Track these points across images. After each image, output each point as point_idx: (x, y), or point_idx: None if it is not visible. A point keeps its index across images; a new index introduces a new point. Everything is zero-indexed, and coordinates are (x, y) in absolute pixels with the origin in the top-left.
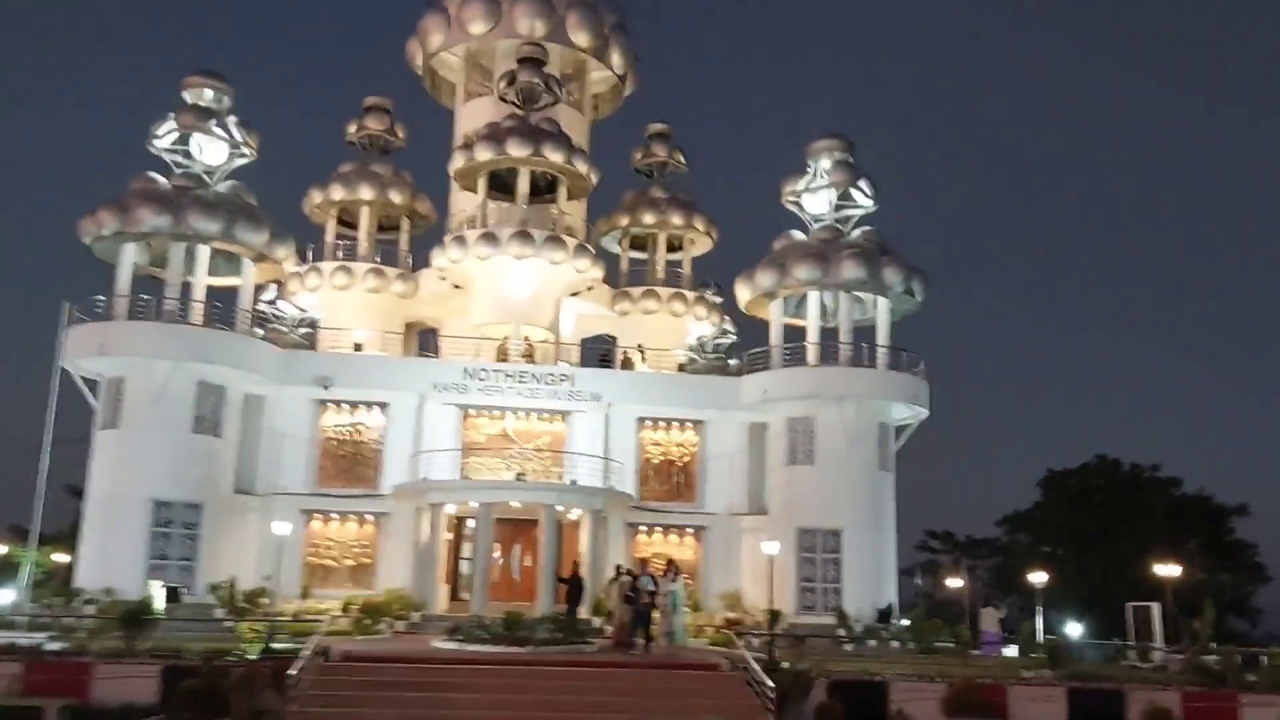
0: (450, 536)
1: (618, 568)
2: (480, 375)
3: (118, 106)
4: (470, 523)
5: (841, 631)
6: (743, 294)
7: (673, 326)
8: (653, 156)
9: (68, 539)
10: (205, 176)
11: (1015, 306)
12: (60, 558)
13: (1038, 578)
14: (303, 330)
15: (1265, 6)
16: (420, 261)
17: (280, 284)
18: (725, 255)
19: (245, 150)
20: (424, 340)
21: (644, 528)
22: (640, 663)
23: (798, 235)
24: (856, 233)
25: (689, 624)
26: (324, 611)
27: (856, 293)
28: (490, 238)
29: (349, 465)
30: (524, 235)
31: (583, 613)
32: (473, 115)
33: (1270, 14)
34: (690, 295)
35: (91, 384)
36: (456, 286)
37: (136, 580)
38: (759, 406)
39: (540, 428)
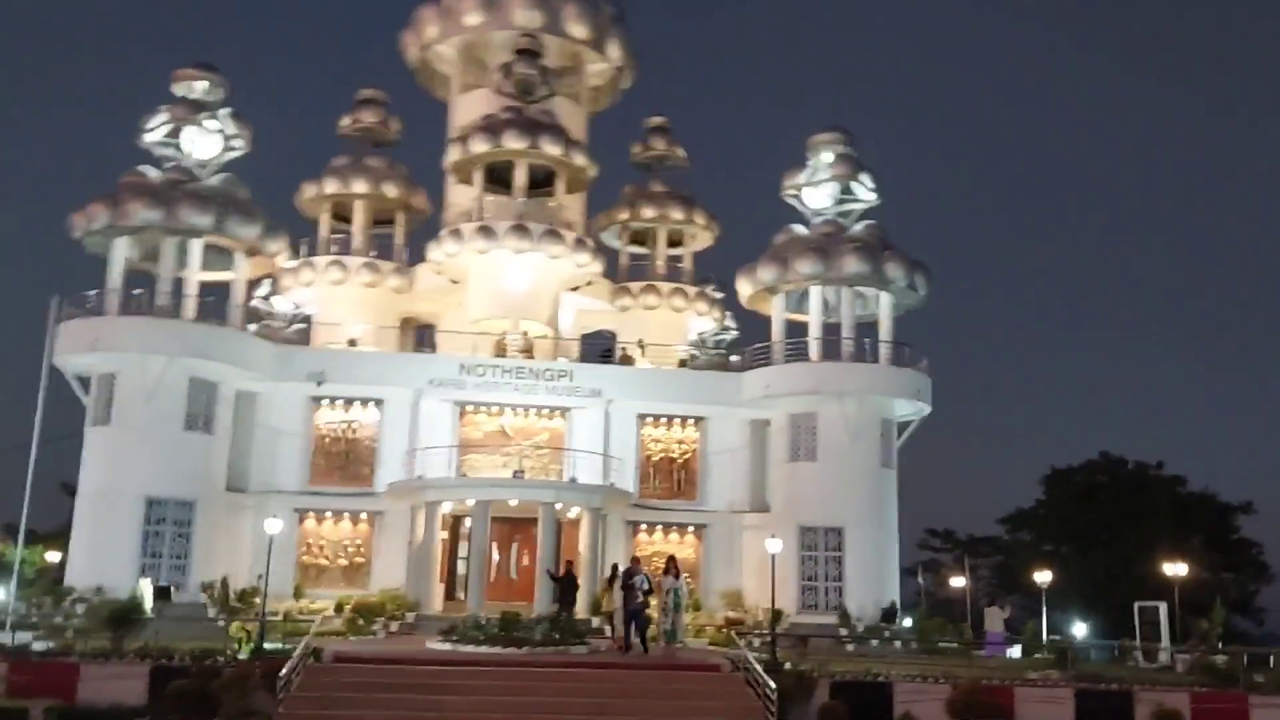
0: (446, 535)
1: (614, 566)
2: (477, 371)
3: (106, 99)
4: (467, 521)
5: (844, 631)
6: (744, 289)
7: (673, 322)
8: (652, 150)
9: (62, 537)
10: (197, 170)
11: (1017, 302)
12: (54, 556)
13: (1042, 577)
14: (297, 326)
15: (1266, 4)
16: (416, 256)
17: (274, 279)
18: (726, 250)
19: (238, 143)
20: (420, 336)
21: (644, 526)
22: (639, 663)
23: (799, 229)
24: (858, 227)
25: (688, 623)
26: (317, 611)
27: (858, 288)
28: (487, 231)
29: (343, 463)
30: (521, 229)
31: (581, 612)
32: (468, 108)
33: (1270, 13)
34: (691, 290)
35: (83, 380)
36: (453, 281)
37: (128, 579)
38: (760, 402)
39: (538, 424)
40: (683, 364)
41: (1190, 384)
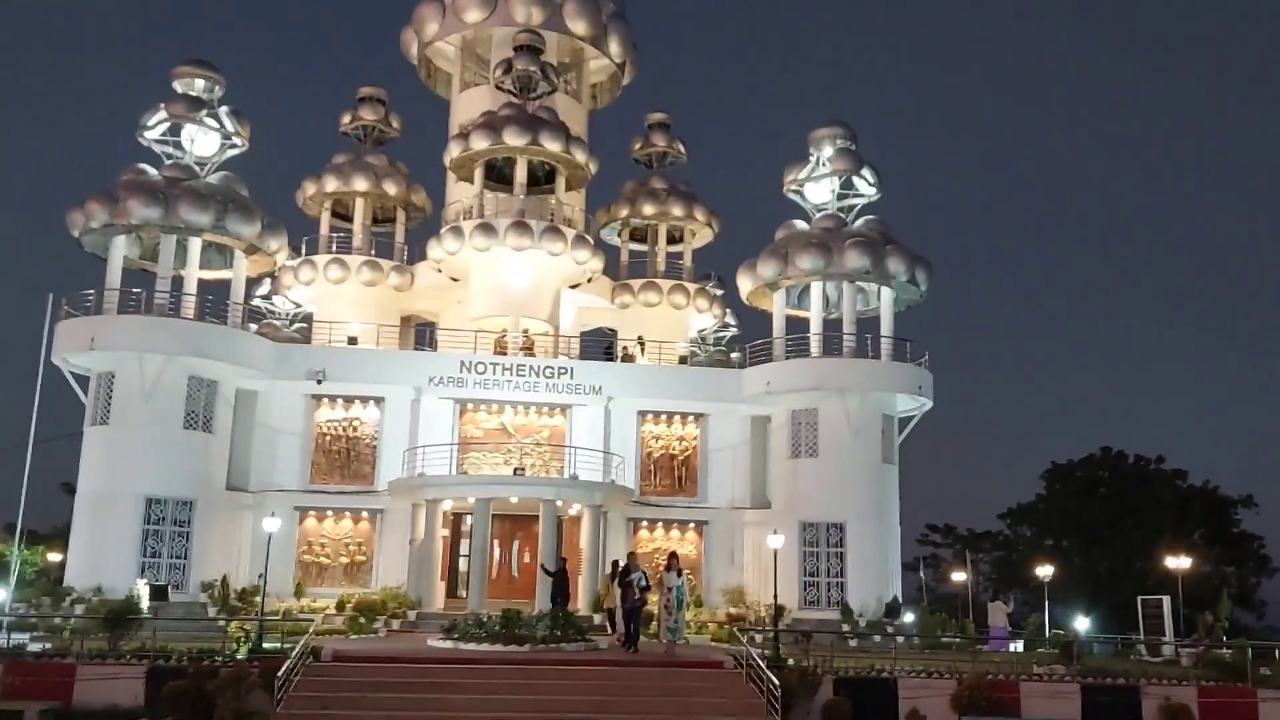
0: (447, 533)
1: (614, 563)
2: (478, 368)
3: (106, 98)
4: (468, 519)
5: (846, 627)
6: (744, 285)
7: (674, 319)
8: (652, 147)
9: (64, 537)
10: (196, 168)
11: (1017, 297)
12: (56, 557)
13: (1044, 571)
14: (298, 325)
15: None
16: (416, 254)
17: (274, 278)
18: (727, 247)
19: (237, 141)
20: (421, 334)
21: (645, 523)
22: (641, 661)
23: (800, 225)
24: (859, 222)
25: (689, 620)
26: (318, 610)
27: (860, 283)
28: (487, 228)
29: (344, 461)
30: (522, 226)
31: (584, 609)
32: (469, 105)
33: (1271, 7)
34: (691, 287)
35: (82, 380)
36: (453, 279)
37: (127, 579)
38: (761, 399)
39: (539, 422)
40: (683, 361)
41: (1191, 378)
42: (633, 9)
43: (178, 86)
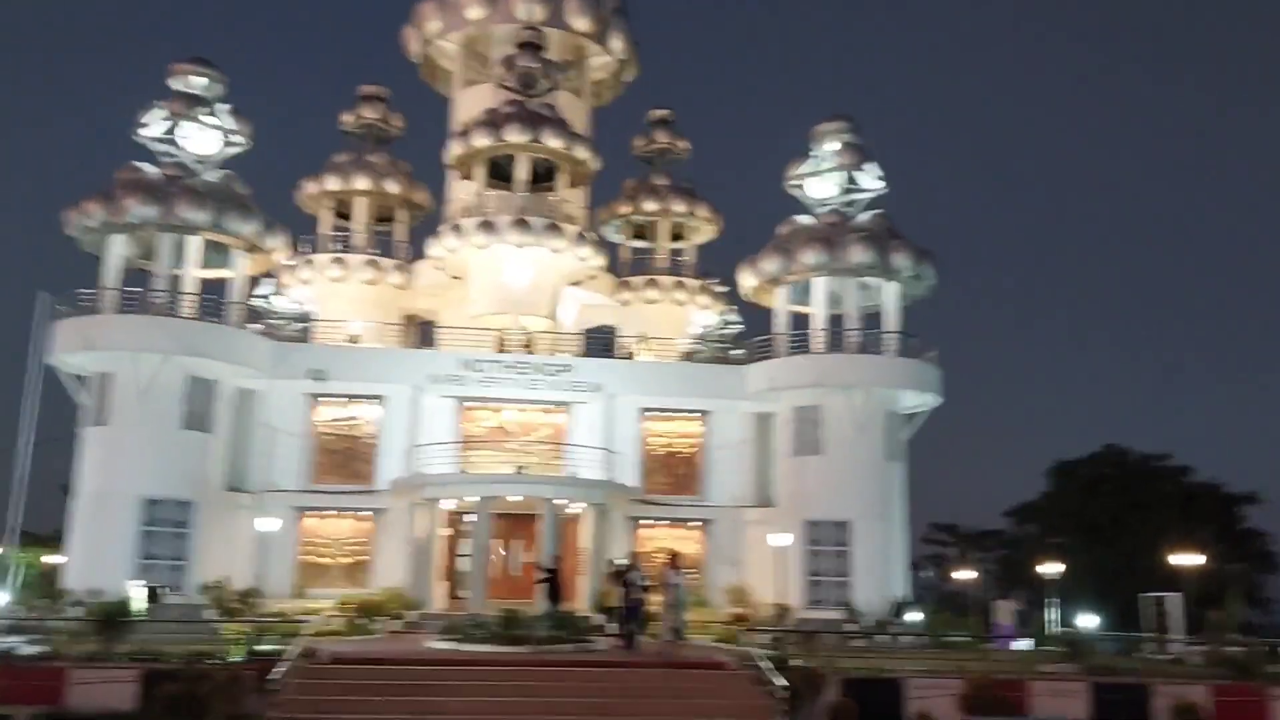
0: (448, 532)
1: (609, 562)
2: (478, 366)
3: (104, 97)
4: (468, 518)
5: (851, 626)
6: (747, 281)
7: (676, 316)
8: (654, 143)
9: (62, 540)
10: (195, 166)
11: (1019, 293)
12: (55, 559)
13: (1050, 569)
14: (299, 326)
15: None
16: (417, 253)
17: (274, 277)
18: (729, 244)
19: (237, 139)
20: (422, 332)
21: (647, 521)
22: (643, 662)
23: (803, 220)
24: (863, 216)
25: (688, 620)
26: (318, 611)
27: (864, 278)
28: (488, 226)
29: (344, 460)
30: (523, 223)
31: (584, 608)
32: (470, 102)
33: (1273, 8)
34: (693, 284)
35: (79, 380)
36: (454, 277)
37: (125, 581)
38: (764, 396)
39: (540, 420)
40: (685, 358)
41: (1196, 374)
42: (634, 5)
43: (176, 84)
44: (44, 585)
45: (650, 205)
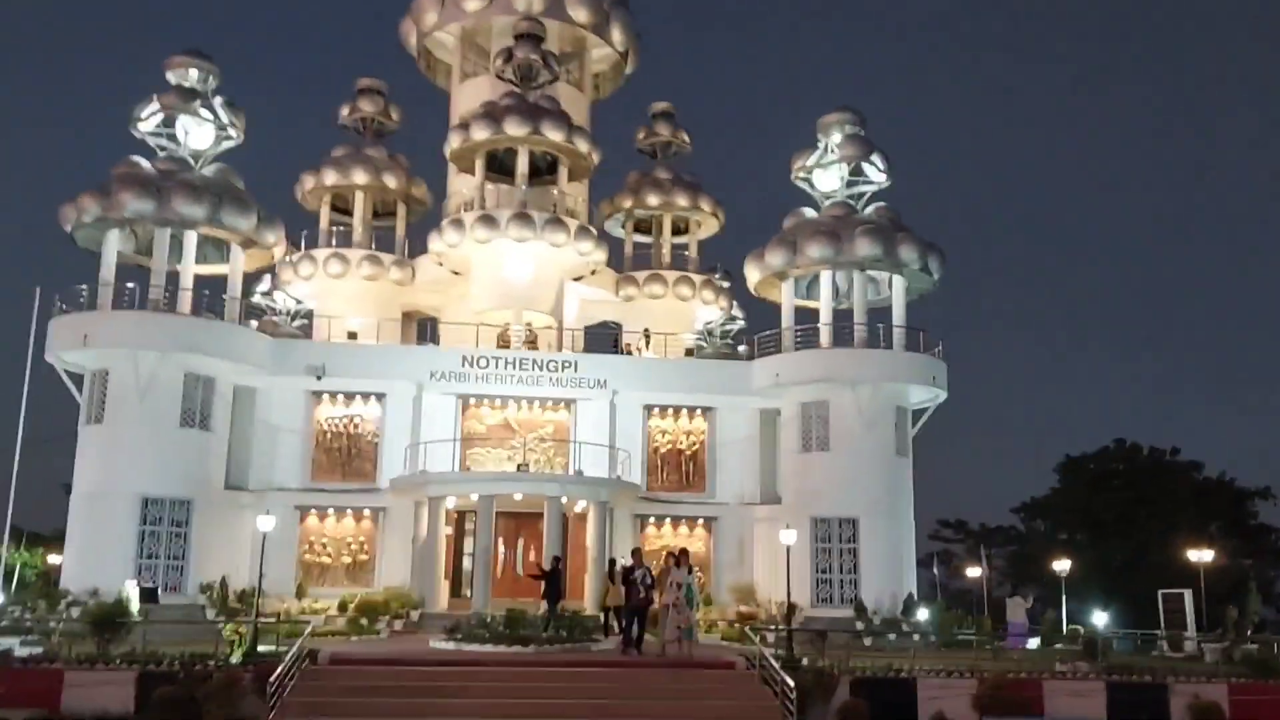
0: (451, 531)
1: (611, 561)
2: (480, 363)
3: (100, 90)
4: (472, 517)
5: (860, 624)
6: (752, 275)
7: (679, 311)
8: (656, 136)
9: (64, 539)
10: (191, 160)
11: (1028, 287)
12: (56, 559)
13: (1061, 565)
14: (299, 323)
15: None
16: (417, 248)
17: (273, 274)
18: (732, 239)
19: (232, 132)
20: (422, 329)
21: (652, 519)
22: (650, 662)
23: (809, 213)
24: (870, 209)
25: (700, 619)
26: (320, 611)
27: (871, 271)
28: (488, 220)
29: (345, 458)
30: (524, 217)
31: (589, 608)
32: (469, 96)
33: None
34: (697, 279)
35: (76, 378)
36: (455, 273)
37: (124, 581)
38: (770, 391)
39: (543, 417)
40: (689, 353)
41: (1206, 369)
42: None
43: (171, 77)
44: (44, 585)
45: (653, 199)
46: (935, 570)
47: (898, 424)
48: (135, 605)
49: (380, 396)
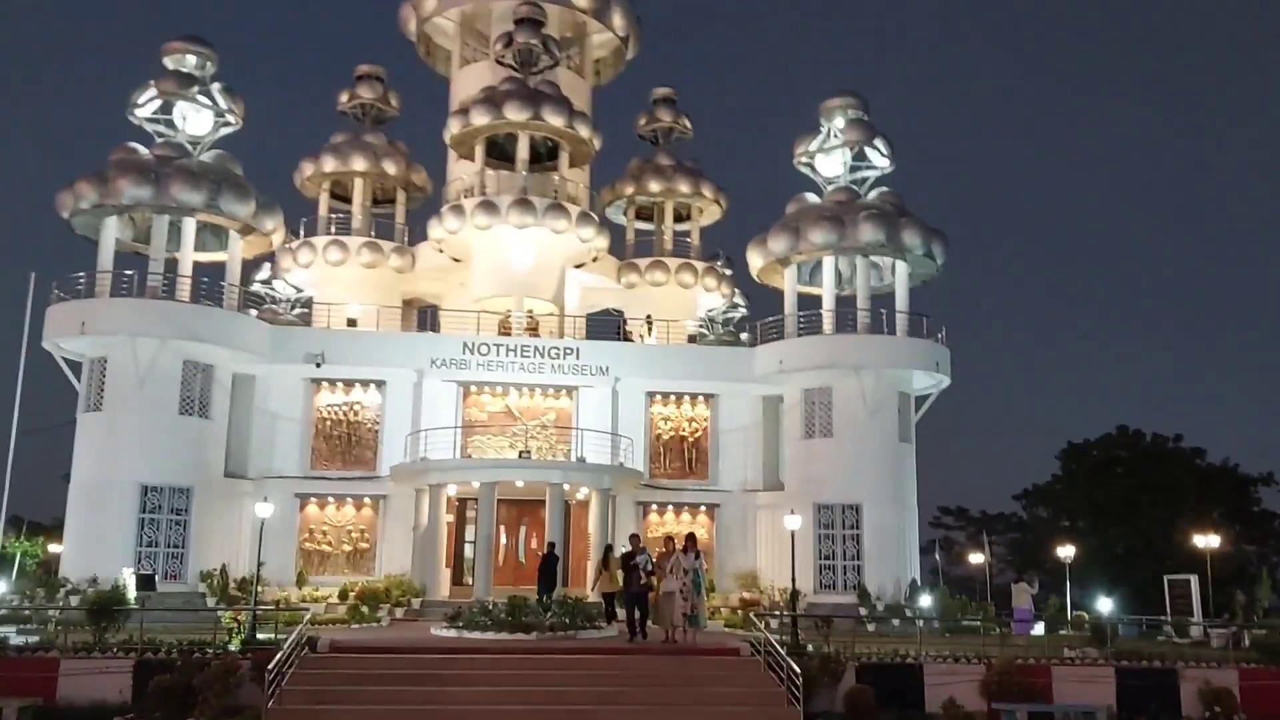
0: (452, 519)
1: (607, 548)
2: (481, 350)
3: (98, 78)
4: (473, 504)
5: (863, 611)
6: (755, 261)
7: (681, 299)
8: (658, 122)
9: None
10: (189, 147)
11: (1031, 273)
12: (56, 548)
13: (1065, 552)
14: (298, 311)
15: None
16: (417, 235)
17: (273, 261)
18: (734, 226)
19: (231, 119)
20: (423, 316)
21: (655, 506)
22: (654, 649)
23: (811, 198)
24: (873, 194)
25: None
26: (320, 599)
27: (874, 257)
28: (489, 206)
29: (345, 446)
30: (524, 203)
31: (592, 595)
32: (469, 81)
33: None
34: (699, 266)
35: (74, 365)
36: (455, 260)
37: (121, 569)
38: (773, 378)
39: (545, 404)
40: (692, 340)
41: (1209, 355)
42: None
43: (169, 63)
44: (43, 574)
45: (654, 185)
46: (937, 557)
47: (901, 410)
48: (131, 593)
49: (380, 384)
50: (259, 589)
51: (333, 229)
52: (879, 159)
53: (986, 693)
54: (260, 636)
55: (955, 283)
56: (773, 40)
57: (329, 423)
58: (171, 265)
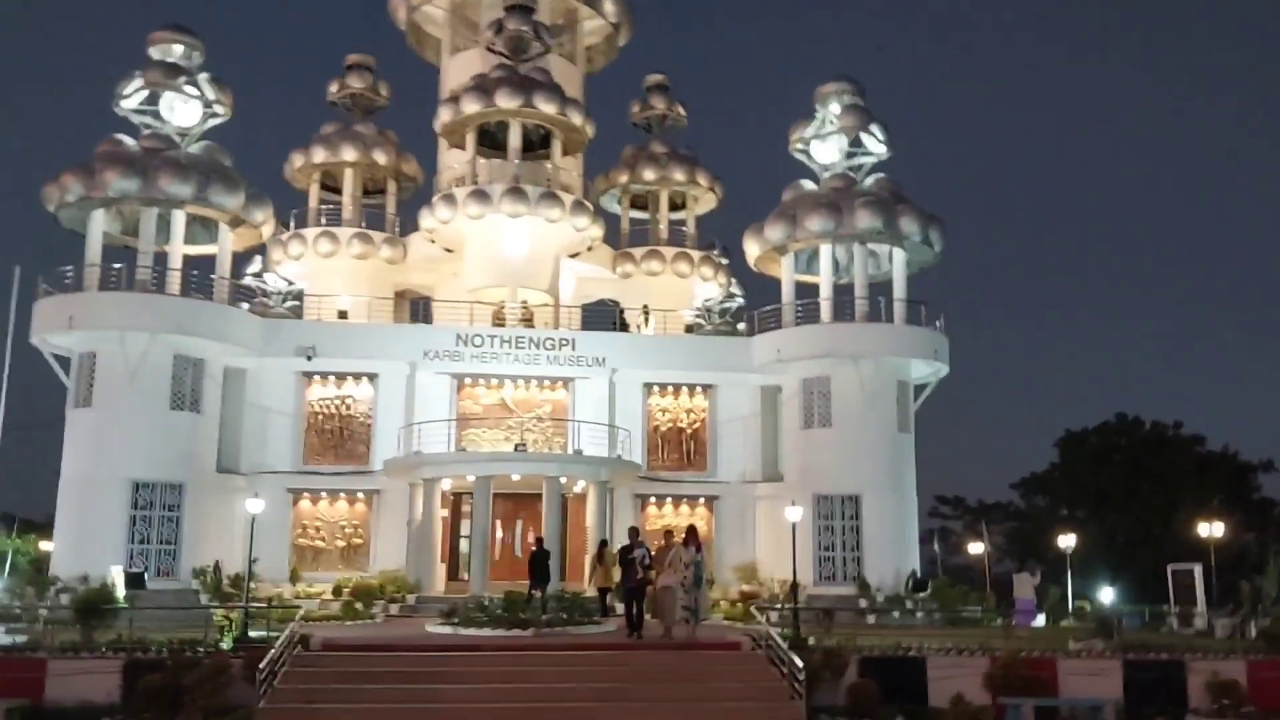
0: (447, 513)
1: (603, 542)
2: (475, 342)
3: (85, 69)
4: (468, 498)
5: (864, 602)
6: (751, 249)
7: (678, 288)
8: (651, 110)
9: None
10: (176, 138)
11: (1029, 261)
12: (48, 546)
13: (1066, 541)
14: (290, 304)
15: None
16: (409, 226)
17: (263, 253)
18: (730, 215)
19: (219, 109)
20: (415, 308)
21: (653, 499)
22: (654, 644)
23: (808, 185)
24: (870, 181)
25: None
26: (314, 595)
27: (871, 244)
28: (481, 195)
29: (337, 440)
30: (517, 192)
31: (589, 590)
32: (459, 69)
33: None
34: (695, 255)
35: (63, 361)
36: (448, 250)
37: (111, 566)
38: (771, 368)
39: (540, 396)
40: (689, 330)
41: (1208, 342)
42: None
43: (154, 53)
44: (33, 572)
45: (649, 174)
46: (935, 547)
47: (899, 399)
48: (120, 591)
49: (373, 377)
50: (252, 586)
51: (323, 220)
52: (875, 145)
53: (991, 686)
54: (253, 634)
55: (953, 270)
56: (767, 25)
57: (321, 416)
58: (161, 258)
